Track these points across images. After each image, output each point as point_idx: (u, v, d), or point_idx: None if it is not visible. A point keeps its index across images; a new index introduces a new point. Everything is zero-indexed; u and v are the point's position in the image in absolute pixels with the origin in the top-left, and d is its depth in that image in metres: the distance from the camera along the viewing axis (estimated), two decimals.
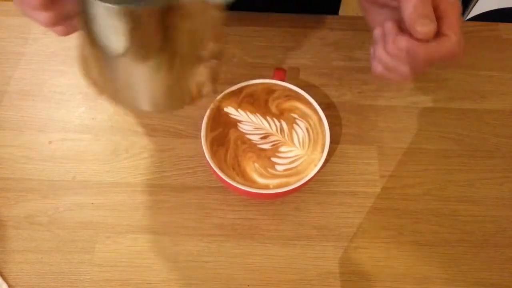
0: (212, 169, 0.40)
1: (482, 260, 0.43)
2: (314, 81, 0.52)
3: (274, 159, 0.41)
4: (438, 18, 0.35)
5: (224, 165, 0.41)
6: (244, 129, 0.42)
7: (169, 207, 0.45)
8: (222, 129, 0.42)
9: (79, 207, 0.45)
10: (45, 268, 0.42)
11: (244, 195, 0.44)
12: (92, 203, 0.45)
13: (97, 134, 0.49)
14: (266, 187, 0.40)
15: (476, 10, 0.92)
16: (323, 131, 0.42)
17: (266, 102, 0.44)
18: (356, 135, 0.49)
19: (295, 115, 0.43)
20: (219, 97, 0.43)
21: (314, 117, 0.43)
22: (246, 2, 0.58)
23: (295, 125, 0.42)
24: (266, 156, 0.41)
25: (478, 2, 0.91)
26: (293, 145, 0.41)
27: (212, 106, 0.43)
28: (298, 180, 0.40)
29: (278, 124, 0.43)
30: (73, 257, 0.42)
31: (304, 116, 0.43)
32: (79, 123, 0.49)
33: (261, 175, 0.40)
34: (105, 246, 0.43)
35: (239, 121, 0.43)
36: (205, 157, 0.40)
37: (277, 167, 0.41)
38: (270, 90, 0.44)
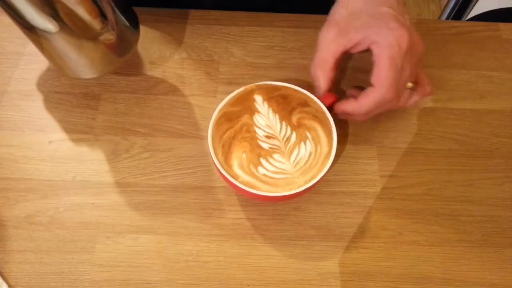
0: (208, 136, 0.40)
1: (482, 260, 0.43)
2: None
3: (262, 160, 0.41)
4: (372, 63, 0.41)
5: (218, 138, 0.41)
6: (257, 120, 0.42)
7: (169, 207, 0.45)
8: (240, 109, 0.43)
9: (79, 207, 0.45)
10: (45, 268, 0.42)
11: (220, 175, 0.42)
12: (92, 203, 0.45)
13: (97, 134, 0.49)
14: (235, 176, 0.40)
15: (476, 10, 0.92)
16: (322, 165, 0.40)
17: (293, 110, 0.43)
18: (356, 135, 0.49)
19: (309, 135, 0.42)
20: (259, 83, 0.43)
21: (325, 147, 0.41)
22: (246, 2, 0.58)
23: (302, 144, 0.42)
24: (257, 154, 0.41)
25: (478, 2, 0.91)
26: (287, 159, 0.41)
27: (248, 86, 0.43)
28: (264, 191, 0.39)
29: (288, 133, 0.42)
30: (73, 257, 0.42)
31: (316, 141, 0.42)
32: (79, 123, 0.49)
33: (241, 166, 0.40)
34: (105, 246, 0.43)
35: (258, 112, 0.43)
36: (210, 124, 0.41)
37: (260, 168, 0.40)
38: (304, 103, 0.43)
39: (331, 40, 0.42)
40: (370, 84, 0.41)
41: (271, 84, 0.44)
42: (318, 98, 0.43)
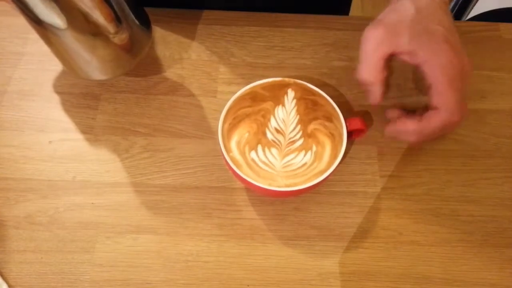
0: (227, 104, 0.42)
1: (482, 260, 0.43)
2: (314, 81, 0.52)
3: (259, 147, 0.41)
4: (428, 86, 0.39)
5: (235, 109, 0.42)
6: (277, 111, 0.43)
7: (169, 207, 0.45)
8: (269, 95, 0.43)
9: (79, 207, 0.45)
10: (45, 268, 0.42)
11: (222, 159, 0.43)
12: (92, 203, 0.45)
13: (97, 134, 0.49)
14: (228, 150, 0.40)
15: (476, 10, 0.92)
16: (309, 179, 0.39)
17: (315, 119, 0.42)
18: None
19: (314, 148, 0.41)
20: (299, 81, 0.44)
21: (322, 165, 0.40)
22: (246, 2, 0.58)
23: (303, 152, 0.41)
24: (258, 140, 0.41)
25: (478, 2, 0.91)
26: (281, 158, 0.41)
27: (286, 78, 0.44)
28: (245, 174, 0.39)
29: (297, 137, 0.42)
30: (73, 257, 0.42)
31: (317, 156, 0.41)
32: (79, 123, 0.49)
33: (238, 143, 0.41)
34: (105, 246, 0.43)
35: (283, 105, 0.43)
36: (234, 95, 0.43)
37: (252, 153, 0.41)
38: (329, 117, 0.43)
39: (380, 41, 0.39)
40: (432, 107, 0.39)
41: (309, 86, 0.44)
42: (346, 120, 0.42)
